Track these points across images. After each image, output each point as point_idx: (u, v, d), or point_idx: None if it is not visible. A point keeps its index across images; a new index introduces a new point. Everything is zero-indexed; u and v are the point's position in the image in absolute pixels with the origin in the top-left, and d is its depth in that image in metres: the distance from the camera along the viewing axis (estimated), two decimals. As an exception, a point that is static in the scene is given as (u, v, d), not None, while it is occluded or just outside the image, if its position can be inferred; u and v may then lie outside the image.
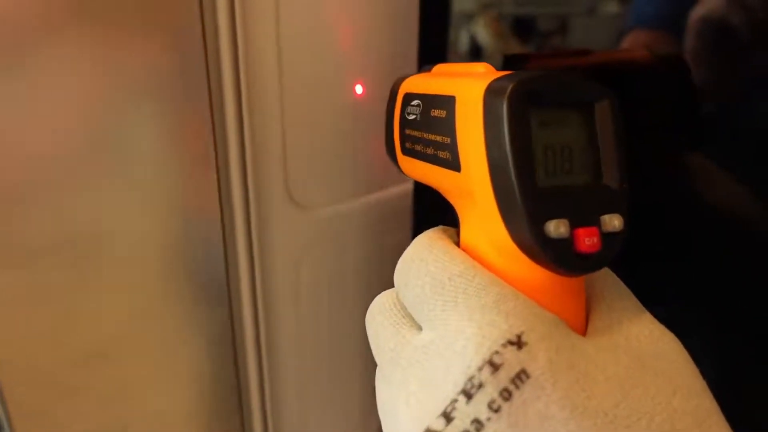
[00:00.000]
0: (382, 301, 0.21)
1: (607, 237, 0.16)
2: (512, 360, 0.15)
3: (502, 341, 0.15)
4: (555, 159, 0.17)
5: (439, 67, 0.22)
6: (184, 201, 0.38)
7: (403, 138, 0.21)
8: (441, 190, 0.21)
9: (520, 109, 0.15)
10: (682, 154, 0.30)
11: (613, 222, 0.16)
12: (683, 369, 0.17)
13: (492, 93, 0.16)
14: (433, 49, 0.38)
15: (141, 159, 0.35)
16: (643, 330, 0.17)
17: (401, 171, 0.23)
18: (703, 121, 0.29)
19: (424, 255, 0.19)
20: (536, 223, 0.16)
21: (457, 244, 0.19)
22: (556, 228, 0.16)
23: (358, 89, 0.43)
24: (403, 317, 0.19)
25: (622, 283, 0.20)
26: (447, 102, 0.18)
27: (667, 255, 0.31)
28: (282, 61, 0.39)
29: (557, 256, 0.16)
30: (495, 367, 0.15)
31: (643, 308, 0.19)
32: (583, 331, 0.18)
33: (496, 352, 0.15)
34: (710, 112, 0.29)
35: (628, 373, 0.16)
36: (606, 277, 0.20)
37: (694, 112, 0.29)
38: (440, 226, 0.21)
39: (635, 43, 0.31)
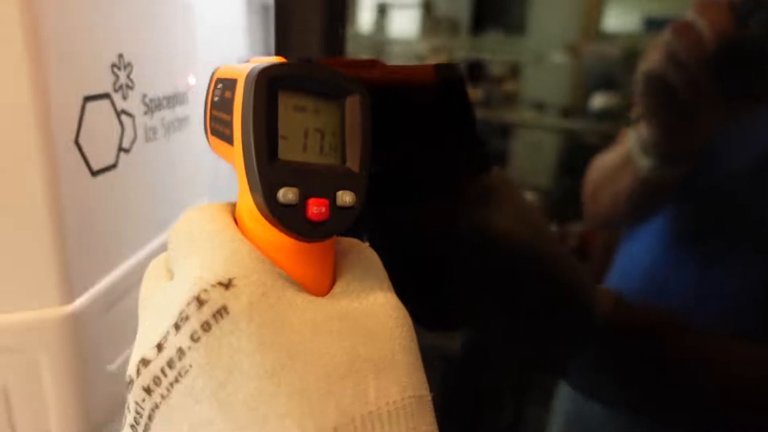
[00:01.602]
0: (158, 258, 0.22)
1: (338, 210, 0.19)
2: (217, 298, 0.17)
3: (213, 282, 0.17)
4: (306, 140, 0.19)
5: (253, 58, 0.25)
6: None
7: (211, 118, 0.23)
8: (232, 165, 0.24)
9: (264, 91, 0.18)
10: (464, 171, 0.31)
11: (345, 198, 0.19)
12: (390, 330, 0.18)
13: (248, 76, 0.19)
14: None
15: None
16: (372, 298, 0.19)
17: (213, 150, 0.26)
18: (482, 141, 0.31)
19: (193, 215, 0.20)
20: (269, 190, 0.18)
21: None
22: (285, 195, 0.18)
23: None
24: (166, 270, 0.21)
25: (379, 262, 0.22)
26: (233, 84, 0.20)
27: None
28: None
29: (288, 221, 0.18)
30: (201, 302, 0.17)
31: (389, 286, 0.21)
32: (324, 294, 0.19)
33: (205, 290, 0.17)
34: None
35: (324, 322, 0.17)
36: (362, 253, 0.21)
37: (473, 131, 0.30)
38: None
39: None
